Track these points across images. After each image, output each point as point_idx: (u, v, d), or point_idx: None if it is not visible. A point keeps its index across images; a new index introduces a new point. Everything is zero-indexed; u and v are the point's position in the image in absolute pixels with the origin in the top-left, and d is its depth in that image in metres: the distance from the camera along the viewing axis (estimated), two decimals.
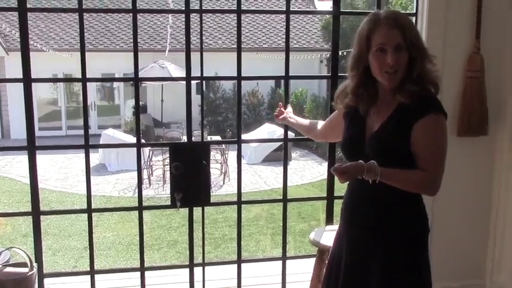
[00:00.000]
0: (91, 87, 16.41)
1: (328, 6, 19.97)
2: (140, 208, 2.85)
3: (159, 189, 9.61)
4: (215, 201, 3.45)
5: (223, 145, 10.43)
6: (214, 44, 15.08)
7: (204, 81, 15.53)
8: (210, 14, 15.71)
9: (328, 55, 14.95)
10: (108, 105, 17.15)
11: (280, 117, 2.54)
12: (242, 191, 7.54)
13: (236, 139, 2.95)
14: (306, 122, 2.49)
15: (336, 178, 1.82)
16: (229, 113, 15.21)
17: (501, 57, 2.94)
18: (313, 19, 16.60)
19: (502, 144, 3.00)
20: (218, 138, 11.92)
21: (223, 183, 9.88)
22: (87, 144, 2.75)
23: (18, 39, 2.61)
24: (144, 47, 15.29)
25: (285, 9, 2.92)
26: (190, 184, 2.82)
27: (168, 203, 2.85)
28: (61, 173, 11.07)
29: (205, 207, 3.03)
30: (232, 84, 15.35)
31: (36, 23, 15.13)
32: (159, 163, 10.13)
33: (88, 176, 2.76)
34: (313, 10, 16.08)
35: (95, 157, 11.51)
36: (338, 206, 3.16)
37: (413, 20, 2.89)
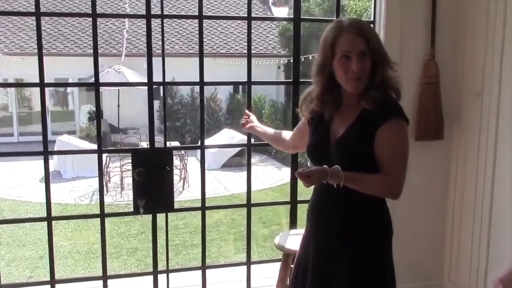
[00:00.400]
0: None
1: (284, 12, 20.22)
2: (102, 215, 2.81)
3: (116, 196, 9.45)
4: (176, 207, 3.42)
5: (182, 151, 10.36)
6: (171, 49, 14.97)
7: (162, 87, 15.43)
8: (166, 19, 15.59)
9: (286, 61, 15.13)
10: (62, 111, 16.74)
11: (247, 126, 2.50)
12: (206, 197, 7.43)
13: (199, 144, 2.93)
14: (272, 132, 2.48)
15: (299, 183, 1.85)
16: (187, 118, 15.12)
17: (455, 64, 3.06)
18: (270, 25, 16.76)
19: (457, 148, 3.12)
20: (177, 143, 11.81)
21: (183, 189, 9.80)
22: (46, 151, 2.69)
23: None
24: (99, 51, 15.02)
25: (246, 16, 2.92)
26: (153, 190, 2.80)
27: (127, 209, 2.82)
28: (13, 180, 10.72)
29: (156, 217, 2.97)
30: (190, 90, 15.29)
31: None
32: (117, 169, 9.97)
33: (47, 182, 2.70)
34: (274, 17, 16.24)
35: (50, 164, 11.17)
36: (301, 210, 3.22)
37: None
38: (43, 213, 8.54)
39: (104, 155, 10.20)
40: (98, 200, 9.77)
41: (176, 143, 11.85)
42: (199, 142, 2.97)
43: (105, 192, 10.02)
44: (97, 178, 9.81)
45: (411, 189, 1.84)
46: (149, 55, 2.71)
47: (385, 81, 1.81)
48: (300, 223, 3.21)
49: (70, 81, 13.68)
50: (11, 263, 6.50)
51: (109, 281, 2.89)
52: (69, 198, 9.51)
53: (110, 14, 9.80)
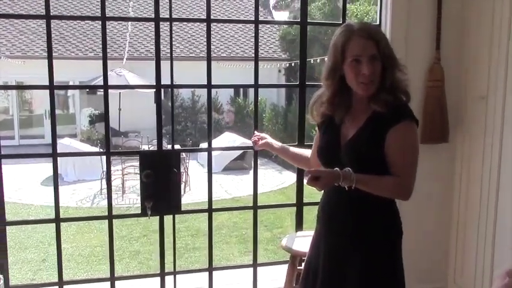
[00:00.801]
0: (45, 95, 15.98)
1: (284, 16, 20.30)
2: (110, 217, 2.82)
3: (118, 199, 9.45)
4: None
5: (183, 154, 10.38)
6: (173, 52, 14.97)
7: (162, 90, 15.43)
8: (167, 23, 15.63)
9: (288, 64, 15.17)
10: (63, 114, 16.76)
11: (261, 142, 2.41)
12: (203, 200, 7.42)
13: (206, 146, 2.95)
14: (292, 150, 2.37)
15: (306, 186, 1.87)
16: (188, 122, 15.15)
17: (460, 68, 3.09)
18: (271, 29, 16.81)
19: (462, 151, 3.14)
20: (178, 147, 11.84)
21: (184, 192, 9.81)
22: (55, 153, 2.70)
23: None
24: (101, 55, 15.05)
25: (253, 20, 2.95)
26: (161, 192, 2.82)
27: (128, 212, 2.83)
28: (14, 183, 10.73)
29: (170, 217, 2.99)
30: (190, 93, 15.33)
31: None
32: (118, 173, 9.97)
33: (56, 184, 2.72)
34: (281, 20, 16.29)
35: (50, 167, 11.19)
36: (307, 212, 3.24)
37: None
38: (45, 216, 8.56)
39: (105, 159, 10.23)
40: (99, 203, 9.75)
41: (177, 147, 11.88)
42: (207, 144, 2.98)
43: (106, 195, 10.02)
44: (98, 181, 9.83)
45: (416, 192, 1.86)
46: (157, 58, 2.73)
47: (395, 84, 1.83)
48: (305, 225, 3.24)
49: (71, 84, 13.73)
50: (13, 265, 6.49)
51: (116, 283, 2.90)
52: (71, 201, 9.51)
53: (119, 17, 9.80)
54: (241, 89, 16.39)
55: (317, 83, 2.86)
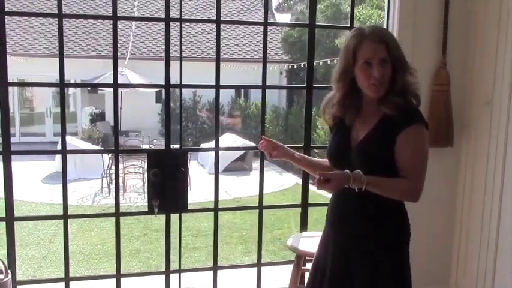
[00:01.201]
0: (46, 93, 16.03)
1: (286, 18, 20.35)
2: (117, 214, 2.85)
3: (119, 198, 9.47)
4: None
5: None
6: (174, 52, 15.03)
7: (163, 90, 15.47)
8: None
9: (290, 67, 15.21)
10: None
11: (276, 153, 2.15)
12: (204, 200, 7.41)
13: (214, 146, 2.98)
14: (314, 160, 2.29)
15: (311, 187, 1.88)
16: (188, 122, 15.19)
17: (465, 72, 3.12)
18: (273, 31, 16.86)
19: (466, 155, 3.17)
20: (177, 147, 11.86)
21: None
22: (64, 150, 2.73)
23: None
24: (103, 53, 15.10)
25: (262, 21, 2.98)
26: (168, 191, 2.84)
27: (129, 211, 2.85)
28: (14, 181, 10.73)
29: (171, 216, 3.00)
30: (192, 94, 15.37)
31: None
32: (119, 171, 10.00)
33: (65, 181, 2.75)
34: (288, 22, 16.30)
35: (52, 165, 11.24)
36: (311, 213, 3.27)
37: None
38: (45, 214, 8.51)
39: (107, 157, 10.27)
40: (100, 202, 9.74)
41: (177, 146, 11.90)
42: (208, 144, 3.01)
43: (106, 194, 10.02)
44: (99, 180, 9.81)
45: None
46: (167, 58, 2.76)
47: (405, 87, 1.86)
48: (311, 226, 3.27)
49: (78, 83, 13.76)
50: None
51: (121, 281, 2.92)
52: (71, 199, 9.51)
53: (130, 17, 9.82)
54: (242, 90, 16.43)
55: (324, 85, 2.91)
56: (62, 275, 2.91)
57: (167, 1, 2.73)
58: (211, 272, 3.18)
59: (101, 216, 6.43)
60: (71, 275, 2.86)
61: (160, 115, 15.81)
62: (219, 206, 3.09)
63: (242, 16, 17.52)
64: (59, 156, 10.98)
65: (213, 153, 12.39)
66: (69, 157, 10.88)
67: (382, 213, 1.90)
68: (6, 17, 2.51)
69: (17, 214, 2.80)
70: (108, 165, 10.08)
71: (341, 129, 1.99)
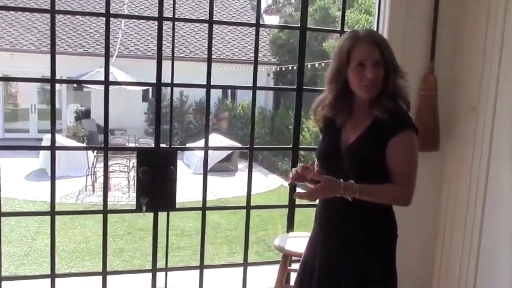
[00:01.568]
0: (31, 89, 15.87)
1: (275, 20, 20.42)
2: (105, 211, 2.84)
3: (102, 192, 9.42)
4: None
5: None
6: (163, 52, 14.98)
7: (150, 88, 15.42)
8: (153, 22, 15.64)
9: (277, 69, 15.26)
10: (48, 109, 16.61)
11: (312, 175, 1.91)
12: (189, 200, 7.38)
13: (204, 146, 2.99)
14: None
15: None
16: (175, 122, 15.15)
17: (452, 78, 3.17)
18: (261, 33, 16.87)
19: (451, 160, 3.22)
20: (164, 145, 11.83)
21: None
22: (54, 146, 2.72)
23: None
24: (90, 51, 15.00)
25: (254, 22, 3.00)
26: (157, 189, 2.84)
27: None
28: None
29: (158, 215, 2.99)
30: (178, 93, 15.33)
31: None
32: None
33: (53, 177, 2.73)
34: (280, 25, 16.35)
35: (35, 162, 11.13)
36: (296, 215, 3.29)
37: None
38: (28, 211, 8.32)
39: (92, 155, 10.20)
40: (84, 200, 9.65)
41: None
42: (203, 143, 3.02)
43: (91, 192, 9.92)
44: (83, 178, 9.70)
45: None
46: (159, 57, 2.76)
47: (396, 90, 1.90)
48: (297, 227, 3.29)
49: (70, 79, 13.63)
50: None
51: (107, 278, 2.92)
52: (55, 196, 9.44)
53: (123, 15, 9.75)
54: (229, 91, 16.44)
55: (314, 88, 2.94)
56: (45, 273, 2.89)
57: (161, 1, 2.73)
58: (197, 271, 3.18)
59: (89, 213, 6.40)
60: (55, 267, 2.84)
61: (147, 114, 15.74)
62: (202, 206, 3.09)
63: (231, 17, 17.54)
64: (43, 153, 11.02)
65: (198, 153, 12.39)
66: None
67: (371, 219, 1.93)
68: None
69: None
70: (93, 163, 10.01)
71: (331, 130, 2.02)
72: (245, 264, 3.17)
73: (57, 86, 16.07)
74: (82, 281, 3.35)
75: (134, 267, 6.27)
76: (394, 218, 2.02)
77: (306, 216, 6.98)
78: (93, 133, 13.38)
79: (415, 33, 3.10)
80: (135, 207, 2.91)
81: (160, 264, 3.23)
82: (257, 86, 3.01)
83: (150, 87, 14.62)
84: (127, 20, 14.64)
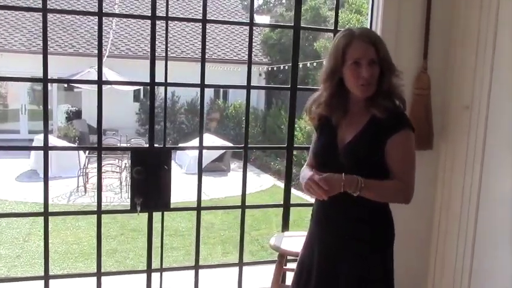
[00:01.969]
0: (21, 90, 15.75)
1: (266, 20, 20.42)
2: (99, 212, 2.82)
3: (95, 197, 9.36)
4: None
5: None
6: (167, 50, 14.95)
7: (142, 88, 15.37)
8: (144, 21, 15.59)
9: (269, 68, 15.25)
10: (39, 109, 16.50)
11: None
12: (182, 200, 7.36)
13: (198, 145, 2.98)
14: None
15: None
16: (167, 121, 15.10)
17: (446, 77, 3.19)
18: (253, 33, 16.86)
19: (445, 158, 3.23)
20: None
21: None
22: (47, 146, 2.69)
23: None
24: (80, 51, 14.91)
25: (248, 22, 2.99)
26: (151, 189, 2.83)
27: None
28: None
29: (154, 216, 2.98)
30: (170, 93, 15.27)
31: None
32: (95, 170, 9.87)
33: (46, 178, 2.70)
34: (274, 23, 16.32)
35: (26, 163, 11.05)
36: (291, 214, 3.29)
37: None
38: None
39: (83, 156, 10.14)
40: (75, 201, 9.58)
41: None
42: (199, 144, 3.00)
43: (83, 193, 9.85)
44: (74, 179, 9.63)
45: None
46: (152, 56, 2.75)
47: (391, 89, 1.90)
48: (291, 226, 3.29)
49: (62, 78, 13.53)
50: None
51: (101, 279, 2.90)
52: None
53: (115, 14, 9.68)
54: (221, 91, 16.41)
55: (308, 87, 2.94)
56: (38, 274, 2.87)
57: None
58: (192, 271, 3.17)
59: (83, 214, 6.36)
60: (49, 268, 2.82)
61: (138, 114, 15.67)
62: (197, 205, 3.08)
63: (222, 17, 17.49)
64: (34, 154, 10.93)
65: (190, 153, 12.36)
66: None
67: (375, 217, 1.94)
68: None
69: None
70: (85, 164, 9.95)
71: (327, 129, 2.02)
72: (240, 264, 3.16)
73: (48, 86, 16.00)
74: (76, 282, 3.32)
75: (127, 267, 6.25)
76: (391, 215, 2.02)
77: (299, 216, 7.02)
78: (85, 133, 13.30)
79: (408, 32, 3.10)
80: (127, 208, 2.90)
81: (155, 264, 3.23)
82: (251, 85, 3.00)
83: (142, 87, 14.58)
84: (118, 20, 14.57)
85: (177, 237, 7.37)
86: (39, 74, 2.61)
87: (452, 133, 3.18)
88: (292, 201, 3.20)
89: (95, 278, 2.88)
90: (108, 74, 11.50)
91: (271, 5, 21.94)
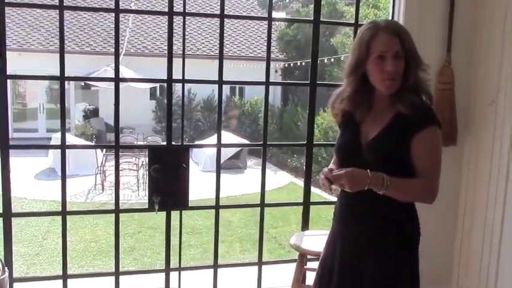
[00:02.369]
0: (39, 89, 15.90)
1: (281, 16, 20.32)
2: (117, 211, 2.80)
3: (112, 195, 9.38)
4: None
5: None
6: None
7: (158, 85, 15.41)
8: (160, 19, 15.63)
9: (285, 65, 15.17)
10: (57, 108, 16.65)
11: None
12: (199, 198, 7.32)
13: (216, 143, 2.93)
14: None
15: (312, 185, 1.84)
16: (184, 119, 15.12)
17: (470, 71, 3.10)
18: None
19: (469, 154, 3.15)
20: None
21: None
22: (64, 145, 2.67)
23: None
24: (97, 49, 14.98)
25: (266, 16, 2.94)
26: (169, 187, 2.79)
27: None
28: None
29: (172, 214, 2.94)
30: (187, 91, 15.30)
31: None
32: (112, 168, 9.90)
33: (64, 177, 2.69)
34: (293, 18, 16.22)
35: (45, 161, 11.14)
36: (311, 211, 3.24)
37: None
38: (38, 210, 8.35)
39: (101, 154, 10.18)
40: (93, 199, 9.61)
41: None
42: (217, 141, 2.96)
43: (100, 190, 9.87)
44: (92, 176, 9.65)
45: None
46: (170, 53, 2.71)
47: (417, 83, 1.83)
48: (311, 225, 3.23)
49: (80, 76, 13.65)
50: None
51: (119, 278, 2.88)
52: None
53: (131, 10, 9.67)
54: (237, 88, 16.38)
55: (328, 83, 2.87)
56: (56, 272, 2.86)
57: None
58: (210, 270, 3.13)
59: (101, 213, 6.37)
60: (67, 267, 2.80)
61: (155, 112, 15.72)
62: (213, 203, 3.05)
63: (239, 14, 17.46)
64: (52, 152, 11.02)
65: (207, 150, 12.34)
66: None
67: (402, 216, 1.88)
68: None
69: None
70: (102, 162, 9.99)
71: (350, 125, 1.95)
72: (260, 263, 3.11)
73: (65, 85, 16.13)
74: (94, 281, 3.30)
75: (145, 265, 6.24)
76: (417, 214, 1.95)
77: (317, 214, 6.94)
78: (102, 132, 13.37)
79: (431, 24, 3.02)
80: (145, 206, 2.87)
81: (173, 263, 3.20)
82: (270, 81, 2.94)
83: (158, 85, 14.60)
84: (134, 18, 14.60)
85: (195, 235, 7.35)
86: (57, 73, 2.59)
87: (477, 129, 3.10)
88: (313, 199, 3.14)
89: (113, 277, 2.86)
90: (124, 72, 11.54)
91: (286, 1, 21.82)
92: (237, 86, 16.19)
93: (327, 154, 10.30)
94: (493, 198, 2.97)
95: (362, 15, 12.70)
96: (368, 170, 1.74)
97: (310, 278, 2.40)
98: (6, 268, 2.42)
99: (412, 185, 1.81)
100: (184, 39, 2.81)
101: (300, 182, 11.15)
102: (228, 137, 11.87)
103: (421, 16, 3.00)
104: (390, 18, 3.10)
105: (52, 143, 10.62)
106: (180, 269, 3.02)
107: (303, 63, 13.39)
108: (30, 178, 10.52)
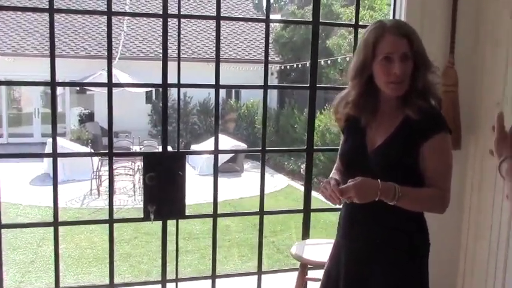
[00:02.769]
0: (34, 93, 15.78)
1: (276, 18, 20.28)
2: (111, 221, 2.70)
3: (108, 200, 9.29)
4: None
5: None
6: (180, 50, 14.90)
7: (154, 89, 15.29)
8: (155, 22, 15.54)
9: (281, 67, 15.09)
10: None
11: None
12: (195, 203, 7.22)
13: (213, 149, 2.84)
14: None
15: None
16: (180, 123, 15.02)
17: (474, 72, 3.01)
18: (264, 31, 16.74)
19: (474, 159, 3.06)
20: (169, 148, 11.70)
21: None
22: (55, 153, 2.57)
23: None
24: (92, 53, 14.87)
25: (264, 18, 2.85)
26: (165, 196, 2.70)
27: (118, 214, 2.70)
28: (1, 182, 10.50)
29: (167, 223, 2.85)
30: (182, 94, 15.20)
31: None
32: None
33: (55, 185, 2.59)
34: (291, 19, 16.15)
35: (40, 166, 11.02)
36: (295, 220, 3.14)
37: None
38: (33, 216, 8.29)
39: (96, 159, 10.07)
40: (89, 204, 9.51)
41: (169, 148, 11.75)
42: (214, 147, 2.86)
43: (96, 196, 9.76)
44: (88, 181, 9.55)
45: None
46: (165, 57, 2.62)
47: (426, 86, 1.74)
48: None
49: (72, 81, 13.54)
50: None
51: None
52: (60, 201, 9.23)
53: (125, 13, 9.60)
54: (233, 91, 16.29)
55: (328, 86, 2.79)
56: (51, 280, 2.75)
57: None
58: (208, 281, 3.03)
59: (94, 223, 6.25)
60: (60, 280, 2.70)
61: (150, 116, 15.61)
62: (211, 208, 2.95)
63: (230, 14, 17.37)
64: (46, 158, 10.88)
65: (204, 155, 12.11)
66: (58, 158, 10.73)
67: (411, 225, 1.80)
68: None
69: (3, 217, 2.63)
70: (98, 167, 9.88)
71: (354, 130, 1.86)
72: (259, 272, 3.02)
73: (60, 89, 16.03)
74: None
75: (141, 272, 6.14)
76: (426, 223, 1.87)
77: (316, 218, 6.84)
78: (97, 136, 13.25)
79: (434, 25, 2.93)
80: (141, 212, 2.77)
81: (169, 270, 3.09)
82: (268, 85, 2.85)
83: (153, 89, 14.49)
84: (128, 21, 14.50)
85: (192, 240, 7.25)
86: (48, 77, 2.49)
87: (482, 132, 3.01)
88: (314, 206, 3.04)
89: None
90: (119, 76, 11.44)
91: (282, 3, 21.77)
92: (233, 89, 16.10)
93: (325, 157, 10.22)
94: (499, 203, 2.88)
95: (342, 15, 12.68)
96: (378, 180, 1.64)
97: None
98: None
99: (423, 194, 1.73)
100: (179, 42, 2.72)
101: (297, 185, 11.07)
102: (224, 140, 11.77)
103: (423, 16, 2.91)
104: (391, 16, 3.02)
105: (47, 148, 10.51)
106: (176, 280, 2.92)
107: (299, 66, 13.31)
108: (25, 184, 10.41)
